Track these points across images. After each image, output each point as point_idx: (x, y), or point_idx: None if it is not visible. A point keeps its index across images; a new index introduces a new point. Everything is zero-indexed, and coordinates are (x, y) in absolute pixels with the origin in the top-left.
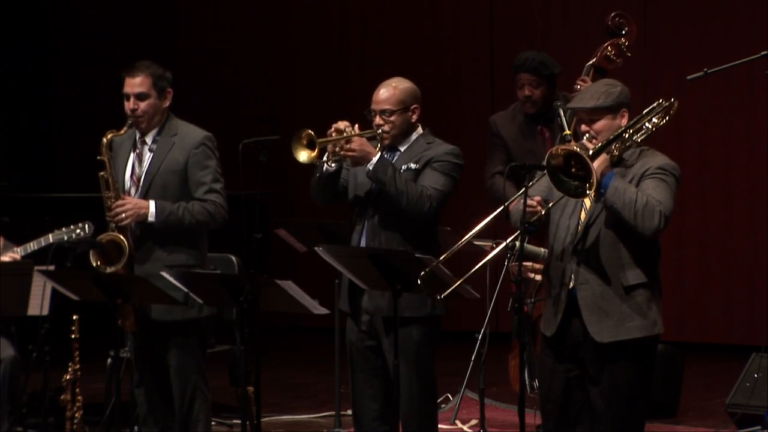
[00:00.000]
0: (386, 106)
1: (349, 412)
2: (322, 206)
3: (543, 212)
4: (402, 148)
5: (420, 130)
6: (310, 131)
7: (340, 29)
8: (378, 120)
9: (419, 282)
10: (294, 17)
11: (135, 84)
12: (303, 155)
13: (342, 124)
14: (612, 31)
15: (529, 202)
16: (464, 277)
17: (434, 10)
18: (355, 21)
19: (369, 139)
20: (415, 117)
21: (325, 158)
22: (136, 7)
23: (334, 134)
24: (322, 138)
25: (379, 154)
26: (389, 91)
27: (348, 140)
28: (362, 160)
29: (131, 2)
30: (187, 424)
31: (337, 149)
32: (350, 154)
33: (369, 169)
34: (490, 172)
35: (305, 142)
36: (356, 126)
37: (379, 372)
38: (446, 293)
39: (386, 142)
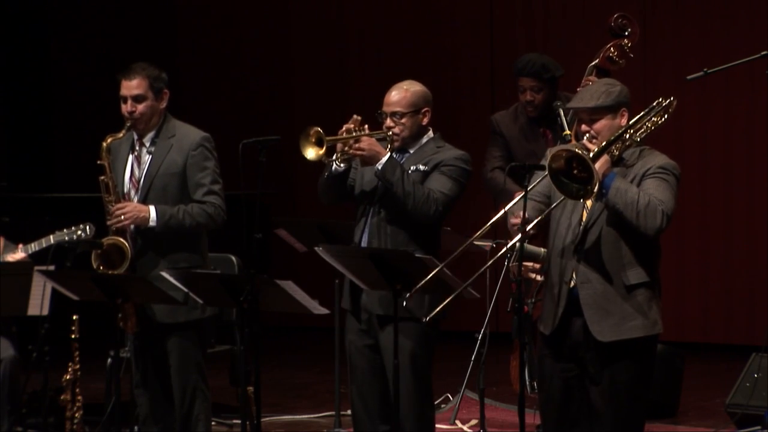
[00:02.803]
0: (397, 109)
1: (350, 412)
2: (328, 205)
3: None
4: (411, 150)
5: (431, 133)
6: (319, 129)
7: (340, 29)
8: (389, 122)
9: (407, 298)
10: (294, 17)
11: (132, 86)
12: (311, 152)
13: (353, 124)
14: (615, 32)
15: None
16: (455, 292)
17: (434, 10)
18: (355, 21)
19: (379, 140)
20: (425, 120)
21: (333, 157)
22: (135, 8)
23: (344, 134)
24: (331, 136)
25: (389, 154)
26: (400, 94)
27: (357, 139)
28: (371, 159)
29: (131, 2)
30: (187, 424)
31: (346, 148)
32: (359, 153)
33: (378, 169)
34: (489, 167)
35: (314, 140)
36: (366, 126)
37: (378, 371)
38: (433, 314)
39: (396, 144)
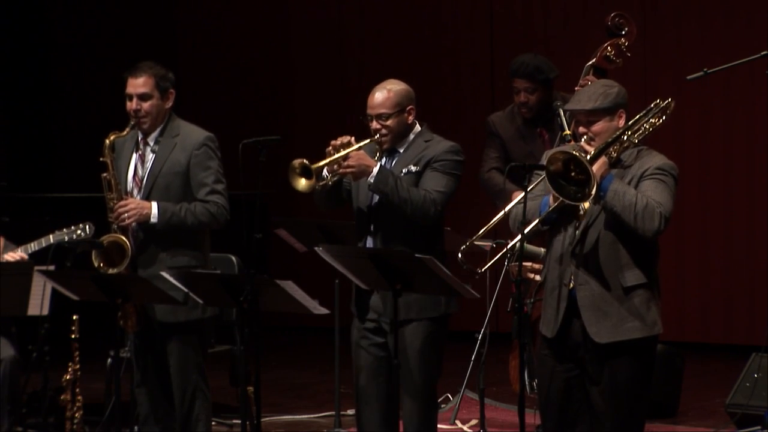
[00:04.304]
0: (382, 111)
1: (350, 412)
2: (325, 211)
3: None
4: (401, 149)
5: (417, 128)
6: (303, 160)
7: (340, 29)
8: (375, 125)
9: (460, 256)
10: (294, 18)
11: (138, 84)
12: (301, 183)
13: (339, 140)
14: (612, 32)
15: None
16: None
17: (434, 10)
18: (355, 21)
19: (369, 144)
20: (411, 118)
21: (325, 178)
22: (136, 7)
23: (331, 151)
24: (316, 163)
25: (379, 165)
26: (384, 95)
27: (345, 157)
28: (362, 174)
29: (131, 2)
30: (187, 424)
31: (335, 167)
32: (349, 171)
33: (370, 182)
34: (486, 168)
35: (299, 171)
36: (352, 139)
37: (384, 370)
38: (488, 265)
39: (386, 146)
